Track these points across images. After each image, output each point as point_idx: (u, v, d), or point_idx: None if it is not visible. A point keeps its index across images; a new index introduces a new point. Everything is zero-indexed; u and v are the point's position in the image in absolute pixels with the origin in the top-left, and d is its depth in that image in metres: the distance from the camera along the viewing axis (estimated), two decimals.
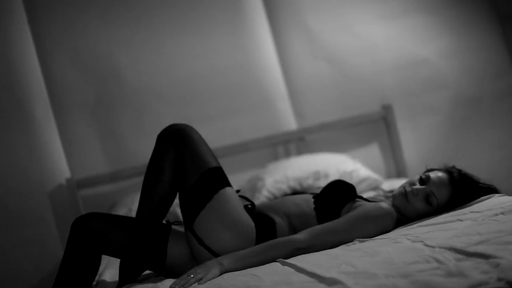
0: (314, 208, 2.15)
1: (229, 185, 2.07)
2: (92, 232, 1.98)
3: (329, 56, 3.82)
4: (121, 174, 3.48)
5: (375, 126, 3.81)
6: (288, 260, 1.84)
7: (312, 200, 2.19)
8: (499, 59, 3.83)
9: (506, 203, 1.94)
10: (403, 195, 2.09)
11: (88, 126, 3.57)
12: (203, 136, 3.38)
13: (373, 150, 3.82)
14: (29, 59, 3.25)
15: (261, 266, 1.86)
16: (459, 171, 2.14)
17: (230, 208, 2.01)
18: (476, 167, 3.63)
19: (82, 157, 3.55)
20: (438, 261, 1.48)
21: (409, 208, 2.09)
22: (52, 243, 3.02)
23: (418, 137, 3.83)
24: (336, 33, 3.82)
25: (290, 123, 3.77)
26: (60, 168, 3.32)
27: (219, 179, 2.05)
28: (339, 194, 2.16)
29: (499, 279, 1.26)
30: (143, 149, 3.58)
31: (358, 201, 2.14)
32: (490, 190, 2.16)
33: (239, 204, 2.05)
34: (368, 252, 1.73)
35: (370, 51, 3.83)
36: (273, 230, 2.06)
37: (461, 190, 2.09)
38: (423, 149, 3.81)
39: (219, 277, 1.82)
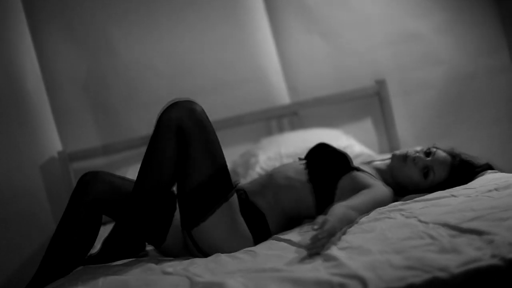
0: (309, 180, 2.08)
1: (234, 187, 1.93)
2: (97, 189, 1.92)
3: (323, 30, 3.79)
4: (113, 147, 3.48)
5: (368, 101, 3.79)
6: (283, 236, 1.85)
7: (305, 170, 2.13)
8: (494, 35, 3.81)
9: (500, 179, 1.94)
10: (403, 156, 2.10)
11: (80, 100, 3.55)
12: None
13: (367, 125, 3.82)
14: (21, 32, 3.21)
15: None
16: (461, 158, 2.14)
17: (235, 216, 1.89)
18: (469, 143, 3.65)
19: (74, 130, 3.54)
20: (432, 237, 1.48)
21: (403, 172, 2.11)
22: (44, 216, 3.01)
23: (411, 113, 3.82)
24: (331, 7, 3.79)
25: (284, 98, 3.76)
26: (52, 141, 3.30)
27: (228, 181, 1.89)
28: (333, 164, 2.11)
29: (493, 256, 1.26)
30: (135, 123, 3.58)
31: (357, 173, 2.05)
32: (485, 168, 2.16)
33: (239, 210, 1.93)
34: (362, 228, 1.73)
35: (365, 26, 3.80)
36: (265, 224, 1.99)
37: (457, 176, 2.10)
38: (417, 125, 3.81)
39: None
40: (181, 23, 3.64)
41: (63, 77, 3.52)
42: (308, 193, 2.06)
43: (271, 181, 2.11)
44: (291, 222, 2.10)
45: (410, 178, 2.10)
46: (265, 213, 2.01)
